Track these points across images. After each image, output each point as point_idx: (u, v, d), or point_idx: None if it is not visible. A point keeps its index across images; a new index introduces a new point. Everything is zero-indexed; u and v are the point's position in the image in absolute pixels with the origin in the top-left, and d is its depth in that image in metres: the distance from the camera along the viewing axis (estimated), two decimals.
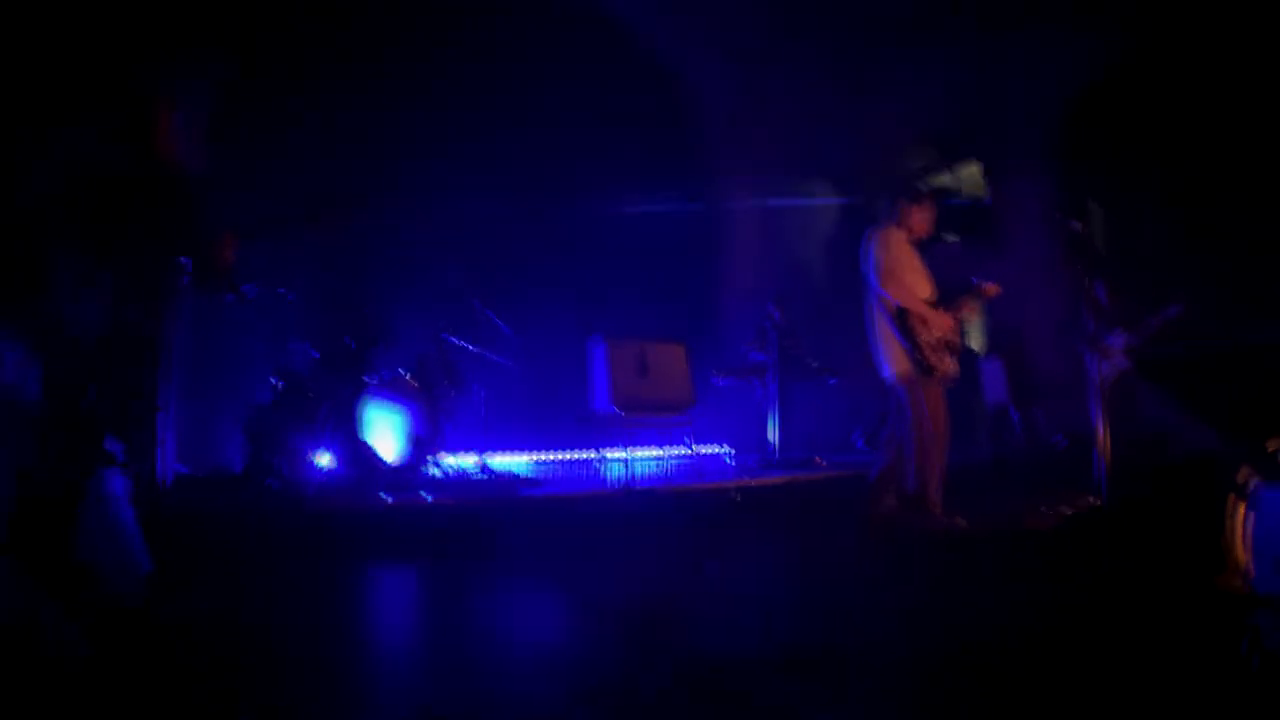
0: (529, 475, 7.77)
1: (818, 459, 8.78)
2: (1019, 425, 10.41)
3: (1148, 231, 13.95)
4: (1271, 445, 2.14)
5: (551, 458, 9.18)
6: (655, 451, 9.43)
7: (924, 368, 5.68)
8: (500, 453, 8.67)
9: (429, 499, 6.28)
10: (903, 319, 5.70)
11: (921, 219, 6.02)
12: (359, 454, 6.86)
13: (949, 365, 5.81)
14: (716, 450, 9.60)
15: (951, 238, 13.75)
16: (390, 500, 6.14)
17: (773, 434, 8.92)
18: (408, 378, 7.36)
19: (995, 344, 11.56)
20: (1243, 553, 2.12)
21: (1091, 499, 5.56)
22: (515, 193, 9.75)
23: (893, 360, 5.82)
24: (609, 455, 8.77)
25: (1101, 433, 5.68)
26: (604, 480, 8.00)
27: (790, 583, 4.76)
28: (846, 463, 8.91)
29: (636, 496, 6.69)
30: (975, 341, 12.21)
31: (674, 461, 9.13)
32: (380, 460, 6.94)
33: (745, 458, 9.14)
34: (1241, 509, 2.13)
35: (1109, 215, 14.11)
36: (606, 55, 9.93)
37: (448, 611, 4.41)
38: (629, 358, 8.07)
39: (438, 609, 4.58)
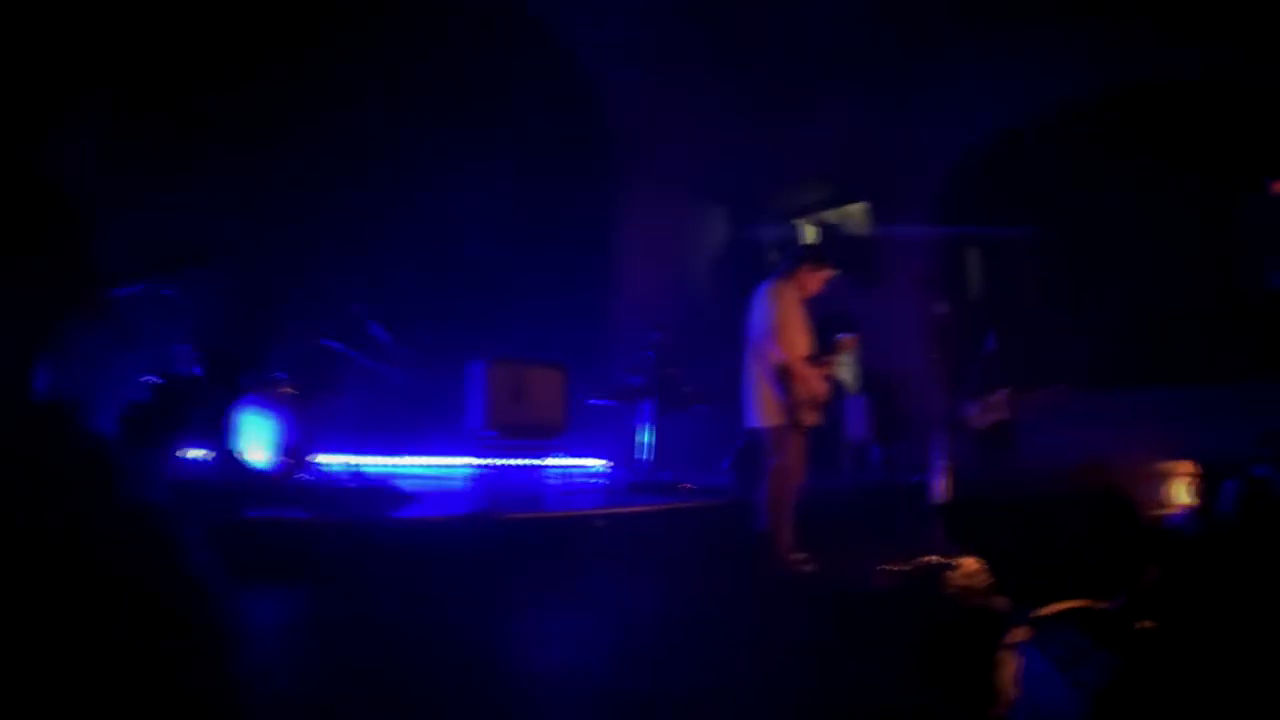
0: (400, 488, 7.76)
1: (687, 485, 9.06)
2: (879, 462, 10.91)
3: (1028, 282, 14.75)
4: (1045, 611, 2.50)
5: (426, 467, 9.22)
6: (528, 463, 9.48)
7: (795, 422, 6.01)
8: (375, 458, 8.67)
9: (291, 515, 6.28)
10: (783, 375, 6.02)
11: (817, 281, 6.33)
12: (230, 461, 6.84)
13: (815, 419, 6.15)
14: (589, 469, 9.78)
15: (834, 272, 14.26)
16: (254, 514, 6.12)
17: (644, 457, 9.18)
18: (286, 383, 7.35)
19: (865, 381, 12.03)
20: (1008, 694, 2.46)
21: (932, 558, 5.97)
22: (405, 209, 9.75)
23: (765, 411, 6.14)
24: (481, 469, 8.80)
25: (942, 487, 6.17)
26: (471, 499, 7.98)
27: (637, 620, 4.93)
28: (715, 488, 9.24)
29: (496, 522, 6.79)
30: (846, 375, 12.72)
31: (545, 481, 9.18)
32: (251, 468, 6.93)
33: (617, 478, 9.36)
34: (1013, 662, 2.47)
35: (988, 263, 14.84)
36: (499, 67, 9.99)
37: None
38: (507, 380, 8.20)
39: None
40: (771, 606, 5.56)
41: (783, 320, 6.07)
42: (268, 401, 7.13)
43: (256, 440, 7.06)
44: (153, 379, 6.94)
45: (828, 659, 4.18)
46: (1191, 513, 5.36)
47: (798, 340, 6.16)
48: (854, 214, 15.32)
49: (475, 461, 8.23)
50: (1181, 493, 6.46)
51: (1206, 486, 5.95)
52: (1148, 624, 2.44)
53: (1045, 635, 2.22)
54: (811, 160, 14.36)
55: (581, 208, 11.59)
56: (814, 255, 6.61)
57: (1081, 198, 12.88)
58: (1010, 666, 2.48)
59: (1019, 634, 2.51)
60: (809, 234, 16.01)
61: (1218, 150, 11.56)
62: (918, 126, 13.49)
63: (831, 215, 15.75)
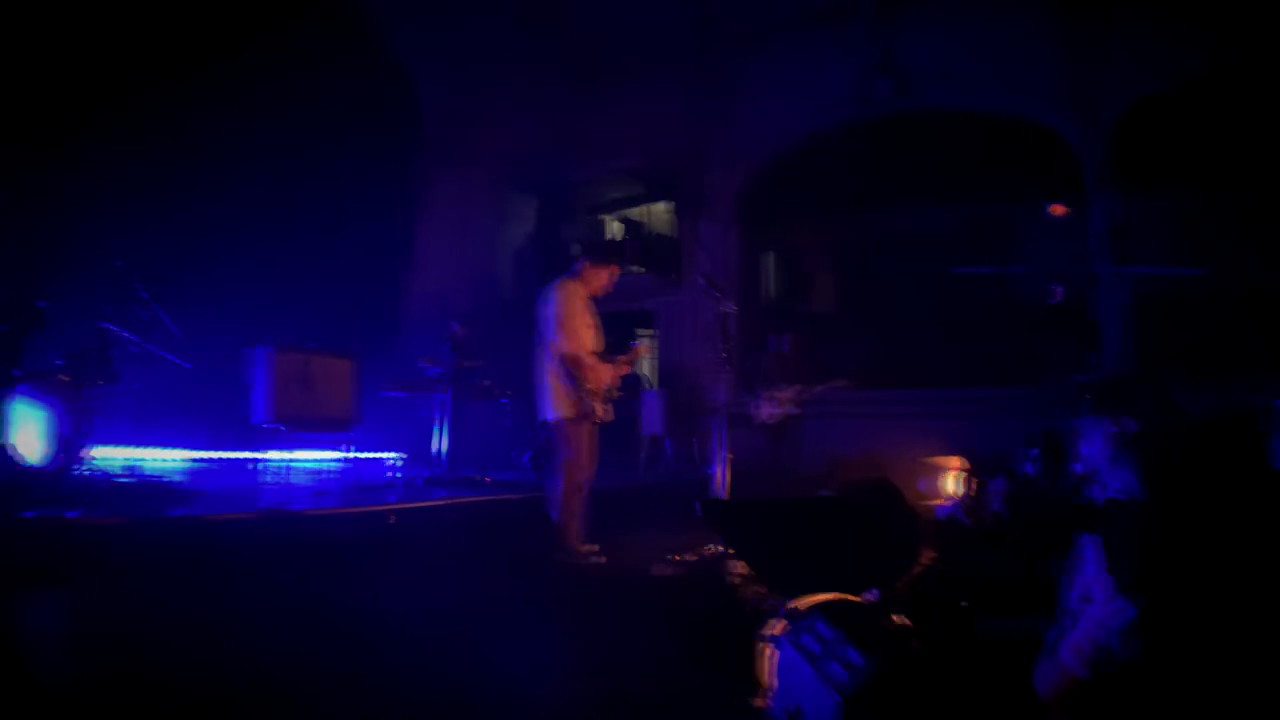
0: (180, 484, 7.31)
1: (486, 478, 8.98)
2: (671, 455, 11.13)
3: (819, 285, 15.38)
4: (800, 604, 2.58)
5: (210, 460, 8.71)
6: (318, 456, 9.15)
7: (585, 413, 6.08)
8: (155, 451, 8.12)
9: (64, 514, 5.85)
10: (570, 368, 6.08)
11: (602, 279, 6.40)
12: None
13: (605, 411, 6.23)
14: (383, 461, 9.53)
15: (637, 269, 14.47)
16: (27, 515, 5.67)
17: (441, 449, 9.01)
18: (60, 371, 6.80)
19: (662, 376, 12.25)
20: (768, 683, 2.53)
21: (716, 547, 6.15)
22: (189, 186, 9.23)
23: (557, 403, 6.17)
24: (269, 462, 8.42)
25: (724, 480, 6.35)
26: (258, 495, 7.59)
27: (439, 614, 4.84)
28: (513, 482, 9.19)
29: (285, 519, 6.52)
30: (645, 371, 12.94)
31: (334, 475, 8.83)
32: (22, 463, 6.39)
33: (413, 472, 9.16)
34: (770, 653, 2.54)
35: (785, 267, 15.39)
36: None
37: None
38: (293, 369, 7.84)
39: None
40: (560, 597, 5.57)
41: (568, 314, 6.14)
42: (39, 391, 6.56)
43: (27, 433, 6.51)
44: None
45: (605, 646, 4.21)
46: (959, 505, 5.66)
47: (585, 335, 6.25)
48: (659, 212, 15.58)
49: (260, 455, 7.88)
50: (951, 486, 6.86)
51: (977, 482, 6.29)
52: (902, 620, 2.54)
53: (798, 628, 2.28)
54: (619, 157, 14.48)
55: (380, 193, 11.22)
56: (601, 253, 6.71)
57: (874, 207, 13.54)
58: (767, 658, 2.55)
59: (775, 626, 2.58)
60: (613, 229, 16.17)
61: (1002, 173, 12.37)
62: (724, 130, 13.83)
63: (636, 212, 15.98)
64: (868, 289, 14.13)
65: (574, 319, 6.16)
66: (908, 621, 2.37)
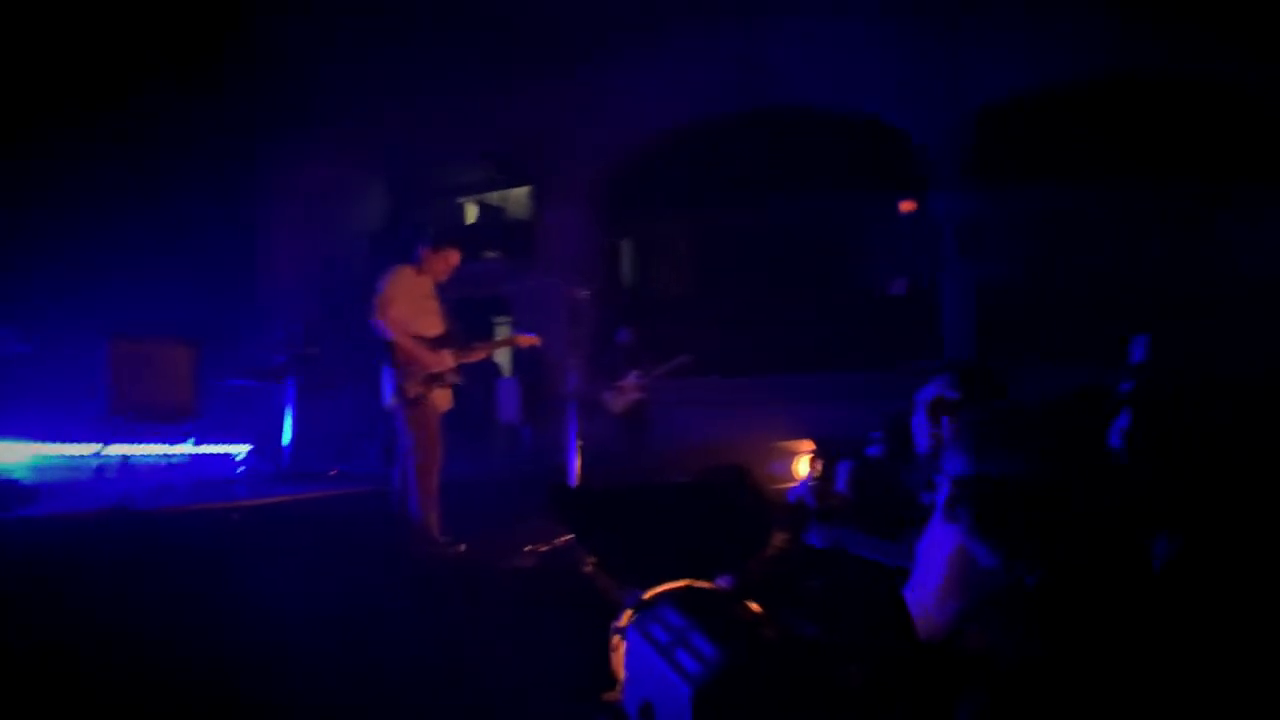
0: (18, 482, 6.80)
1: (333, 470, 8.72)
2: (529, 443, 11.03)
3: (669, 276, 15.50)
4: (650, 594, 2.56)
5: (47, 457, 8.16)
6: (161, 450, 8.64)
7: (406, 398, 5.97)
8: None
9: None
10: (391, 351, 5.98)
11: (440, 264, 6.29)
12: None
13: (437, 398, 6.11)
14: (230, 456, 9.07)
15: (492, 254, 14.30)
16: None
17: (288, 442, 8.70)
18: None
19: (516, 365, 12.11)
20: (620, 674, 2.51)
21: (571, 536, 6.11)
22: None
23: (389, 389, 6.06)
24: (110, 457, 7.93)
25: (576, 470, 6.34)
26: (97, 493, 7.02)
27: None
28: (361, 474, 8.96)
29: (125, 516, 6.17)
30: (499, 360, 12.79)
31: (178, 468, 8.32)
32: None
33: (260, 466, 8.81)
34: (621, 645, 2.52)
35: (642, 256, 15.46)
36: None
37: None
38: (131, 359, 7.48)
39: None
40: (413, 592, 5.43)
41: (390, 299, 6.00)
42: None
43: None
44: None
45: (458, 643, 4.12)
46: (808, 486, 5.76)
47: (417, 321, 6.11)
48: (516, 197, 15.41)
49: (102, 450, 7.46)
50: (801, 468, 7.02)
51: (822, 464, 6.42)
52: (753, 606, 2.54)
53: (646, 618, 2.25)
54: (476, 140, 14.24)
55: (228, 178, 10.76)
56: (434, 240, 6.54)
57: (732, 199, 13.72)
58: (620, 650, 2.52)
59: (626, 617, 2.55)
60: (470, 214, 15.93)
61: (854, 169, 12.73)
62: (585, 118, 13.76)
63: (494, 197, 15.76)
64: (724, 278, 14.27)
65: (397, 304, 6.01)
66: (759, 609, 2.37)
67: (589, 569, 5.34)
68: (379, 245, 13.80)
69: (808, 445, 7.60)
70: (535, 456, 10.85)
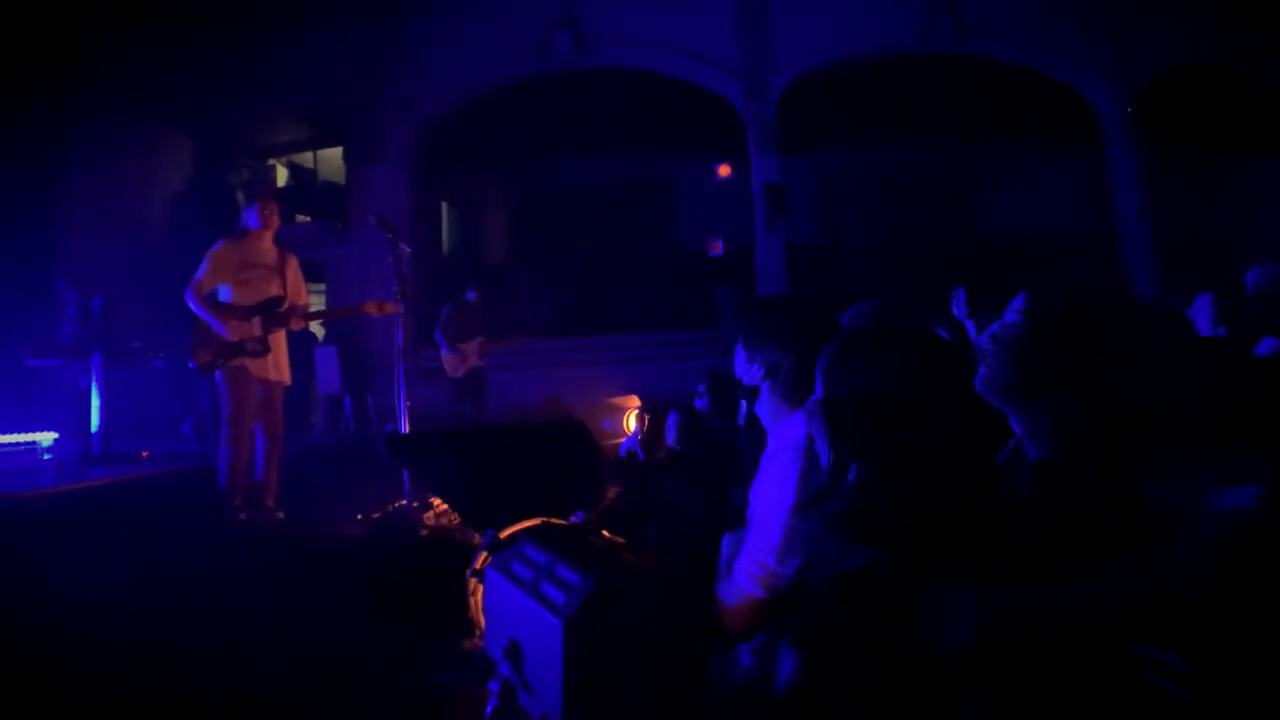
0: None
1: (144, 453, 8.26)
2: (351, 413, 10.74)
3: (496, 237, 15.36)
4: (505, 533, 2.54)
5: None
6: None
7: (197, 364, 5.92)
8: None
9: None
10: (195, 318, 5.93)
11: (272, 219, 6.21)
12: None
13: (251, 366, 5.93)
14: (34, 440, 8.36)
15: (304, 218, 13.80)
16: None
17: (96, 425, 8.14)
18: None
19: (332, 332, 11.75)
20: (480, 621, 2.48)
21: (404, 502, 6.00)
22: None
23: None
24: None
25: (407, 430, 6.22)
26: None
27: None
28: (177, 453, 8.54)
29: None
30: (313, 328, 12.36)
31: None
32: None
33: (68, 450, 8.23)
34: (479, 589, 2.49)
35: (462, 218, 15.23)
36: None
37: None
38: None
39: None
40: (243, 565, 5.23)
41: (207, 275, 5.93)
42: None
43: None
44: None
45: (299, 613, 3.99)
46: (638, 440, 5.87)
47: (239, 292, 6.01)
48: (329, 158, 14.90)
49: None
50: (630, 423, 7.13)
51: (652, 418, 6.55)
52: (610, 536, 2.56)
53: (505, 556, 2.23)
54: (286, 95, 13.63)
55: (19, 127, 9.94)
56: (260, 195, 6.41)
57: (553, 161, 13.69)
58: (478, 593, 2.49)
59: (482, 559, 2.53)
60: (281, 176, 15.30)
61: (675, 133, 12.95)
62: (401, 76, 13.38)
63: (305, 158, 15.19)
64: (545, 241, 14.26)
65: (210, 279, 5.96)
66: (618, 539, 2.39)
67: (422, 531, 5.27)
68: (184, 209, 13.08)
69: (635, 401, 7.73)
70: (358, 428, 10.59)
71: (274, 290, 6.15)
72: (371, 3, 12.92)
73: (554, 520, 2.61)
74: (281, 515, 6.03)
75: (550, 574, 2.05)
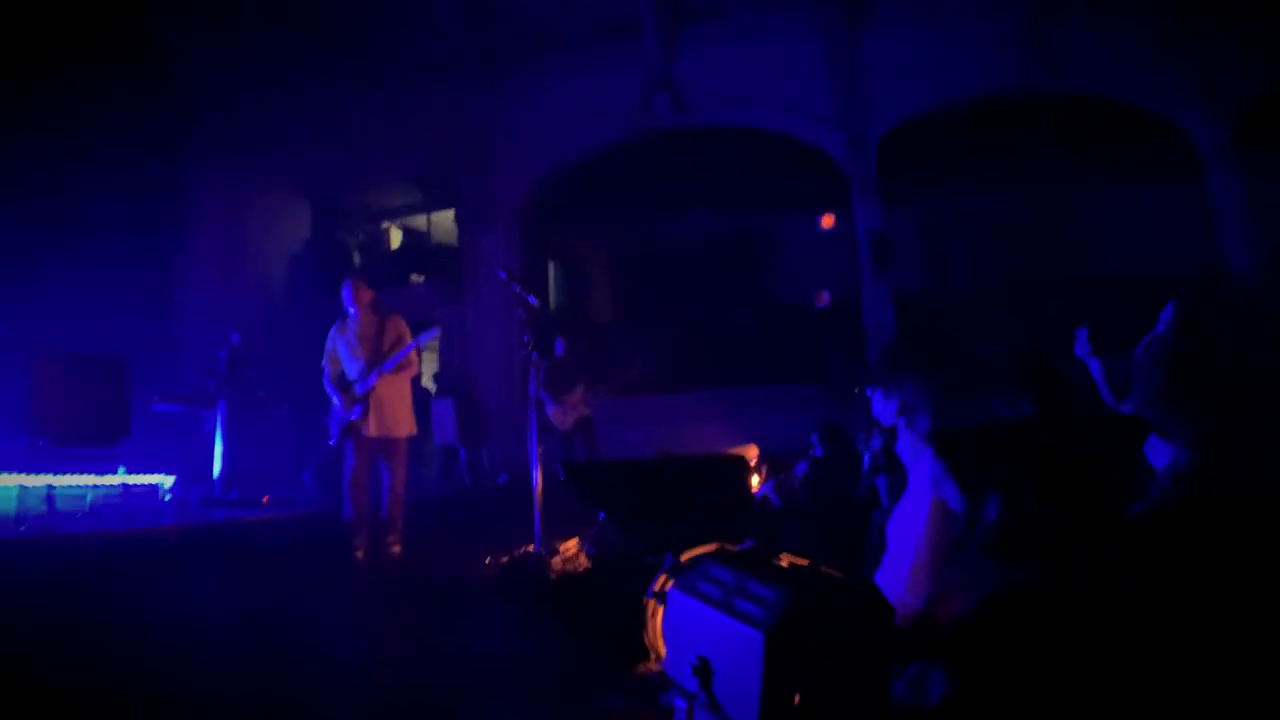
0: None
1: (264, 498, 8.48)
2: (466, 464, 10.87)
3: (601, 294, 15.56)
4: (684, 557, 2.56)
5: None
6: (87, 480, 8.22)
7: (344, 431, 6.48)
8: None
9: None
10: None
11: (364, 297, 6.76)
12: None
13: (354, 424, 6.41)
14: (156, 482, 8.67)
15: (418, 278, 14.15)
16: None
17: (218, 469, 8.40)
18: None
19: (447, 386, 11.95)
20: (659, 644, 2.49)
21: (529, 548, 6.04)
22: None
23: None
24: (31, 483, 7.55)
25: (538, 481, 6.26)
26: (25, 519, 6.77)
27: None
28: (296, 499, 8.75)
29: (57, 542, 5.89)
30: (429, 382, 12.64)
31: (104, 496, 8.01)
32: None
33: (188, 492, 8.51)
34: (659, 611, 2.51)
35: (569, 276, 15.48)
36: None
37: None
38: (56, 378, 7.22)
39: None
40: (384, 602, 5.36)
41: (327, 358, 6.67)
42: None
43: None
44: None
45: (453, 645, 4.03)
46: (773, 486, 5.89)
47: (349, 367, 6.60)
48: (441, 221, 15.29)
49: (25, 480, 7.09)
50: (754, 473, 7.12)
51: (767, 467, 6.55)
52: (794, 559, 2.57)
53: (690, 578, 2.25)
54: (400, 162, 14.11)
55: (145, 189, 10.43)
56: (358, 275, 6.98)
57: (656, 217, 13.86)
58: (657, 616, 2.51)
59: (662, 581, 2.54)
60: (395, 238, 15.74)
61: (774, 185, 13.04)
62: (509, 139, 13.75)
63: (418, 220, 15.62)
64: (651, 297, 14.38)
65: (330, 363, 6.68)
66: (802, 560, 2.39)
67: (552, 574, 5.30)
68: (301, 269, 13.58)
69: (754, 450, 7.69)
70: (473, 477, 10.74)
71: (366, 353, 6.62)
72: (475, 75, 13.37)
73: (728, 545, 2.63)
74: (397, 549, 6.37)
75: (743, 590, 2.07)
